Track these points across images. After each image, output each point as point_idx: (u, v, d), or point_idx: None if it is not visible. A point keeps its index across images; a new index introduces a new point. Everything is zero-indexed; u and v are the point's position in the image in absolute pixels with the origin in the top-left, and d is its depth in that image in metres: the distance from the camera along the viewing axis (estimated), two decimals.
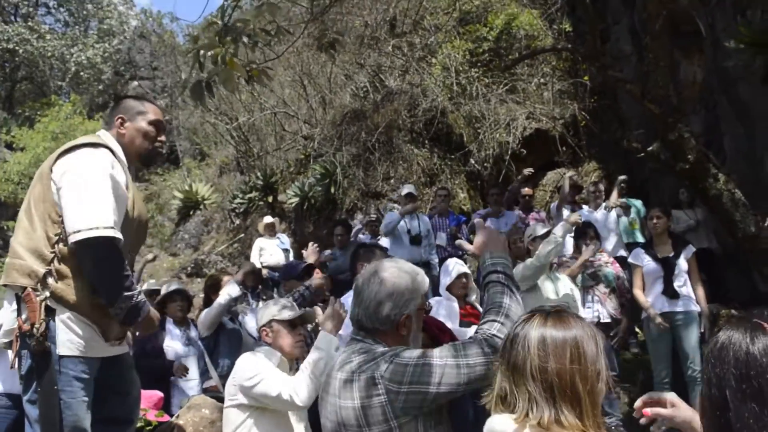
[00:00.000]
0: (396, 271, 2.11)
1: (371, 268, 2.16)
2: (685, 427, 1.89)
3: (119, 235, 2.60)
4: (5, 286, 2.71)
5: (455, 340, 4.34)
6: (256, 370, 3.04)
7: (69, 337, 2.62)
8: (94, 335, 2.71)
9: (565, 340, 1.54)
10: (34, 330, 2.55)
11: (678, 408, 1.88)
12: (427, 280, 2.19)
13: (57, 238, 2.63)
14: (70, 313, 2.63)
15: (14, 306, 2.65)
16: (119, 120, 2.93)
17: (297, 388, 2.94)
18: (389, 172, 10.93)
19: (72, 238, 2.54)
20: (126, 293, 2.63)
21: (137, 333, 2.78)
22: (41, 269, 2.60)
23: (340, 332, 3.94)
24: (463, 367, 1.88)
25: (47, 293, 2.59)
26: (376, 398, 1.88)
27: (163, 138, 3.05)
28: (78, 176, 2.63)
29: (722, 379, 1.19)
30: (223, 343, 5.15)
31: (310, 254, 5.31)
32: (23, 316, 2.58)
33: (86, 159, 2.69)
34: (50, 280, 2.60)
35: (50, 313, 2.59)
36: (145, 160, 3.00)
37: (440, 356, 1.89)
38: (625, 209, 7.23)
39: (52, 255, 2.62)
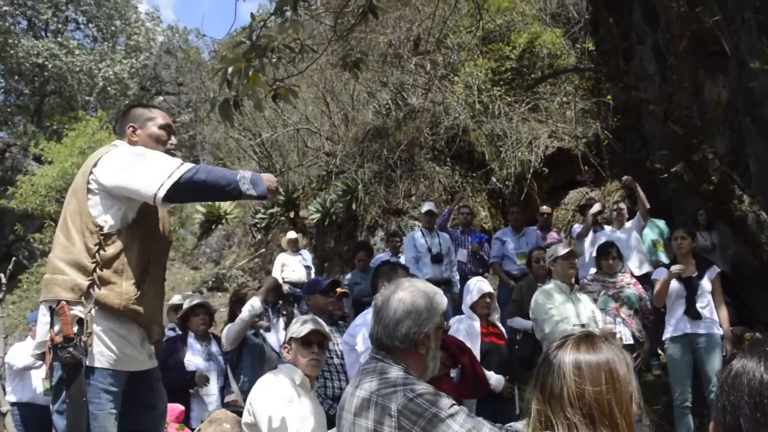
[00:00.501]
0: (415, 290, 2.13)
1: (391, 287, 2.19)
2: None
3: (188, 164, 2.71)
4: (44, 301, 2.77)
5: (474, 359, 4.36)
6: (268, 406, 3.09)
7: (100, 350, 2.68)
8: (126, 347, 2.77)
9: (599, 365, 1.55)
10: (80, 341, 2.61)
11: None
12: (445, 299, 2.21)
13: (97, 247, 2.71)
14: (105, 326, 2.70)
15: (47, 318, 2.70)
16: (131, 128, 3.02)
17: None
18: (410, 190, 10.94)
19: (160, 194, 2.62)
20: (234, 179, 2.69)
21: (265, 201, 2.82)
22: (84, 282, 2.67)
23: (358, 347, 3.95)
24: None
25: (92, 305, 2.66)
26: (388, 428, 1.90)
27: (174, 141, 3.13)
28: (118, 163, 2.76)
29: (736, 407, 1.20)
30: (246, 358, 5.17)
31: None
32: (56, 329, 2.64)
33: (115, 152, 2.84)
34: (94, 290, 2.67)
35: (85, 326, 2.65)
36: None
37: (461, 423, 1.86)
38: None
39: (94, 265, 2.69)
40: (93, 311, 2.67)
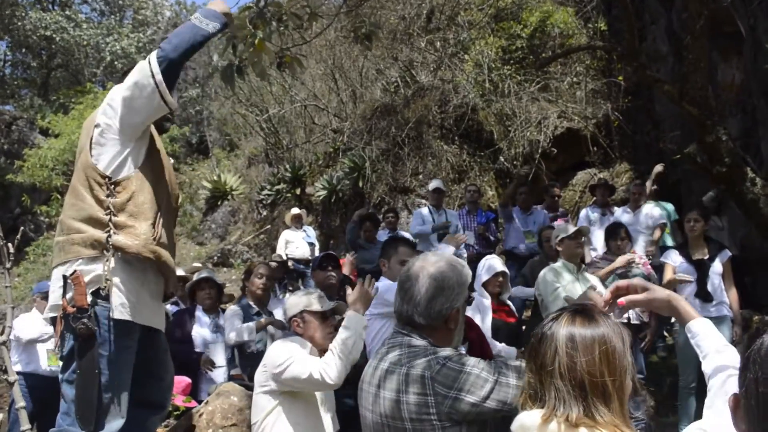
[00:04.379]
0: (443, 265, 2.08)
1: (417, 262, 2.13)
2: (663, 308, 1.93)
3: (153, 57, 2.75)
4: (61, 264, 2.75)
5: (482, 336, 4.35)
6: (286, 354, 3.04)
7: (122, 301, 2.68)
8: (143, 295, 2.78)
9: (594, 338, 1.53)
10: (94, 313, 2.61)
11: (653, 291, 1.92)
12: (470, 271, 2.17)
13: (108, 199, 2.71)
14: (123, 277, 2.70)
15: (61, 283, 2.69)
16: None
17: (327, 368, 2.93)
18: (418, 168, 10.91)
19: (161, 85, 2.69)
20: (195, 31, 2.80)
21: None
22: (102, 234, 2.67)
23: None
24: (513, 387, 1.86)
25: (111, 255, 2.66)
26: (423, 397, 1.87)
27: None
28: (114, 97, 2.81)
29: None
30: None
31: (347, 264, 5.18)
32: (68, 297, 2.63)
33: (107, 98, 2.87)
34: (112, 239, 2.67)
35: (100, 296, 2.64)
36: (158, 125, 3.09)
37: (492, 371, 1.88)
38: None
39: (108, 215, 2.69)
40: (112, 261, 2.66)
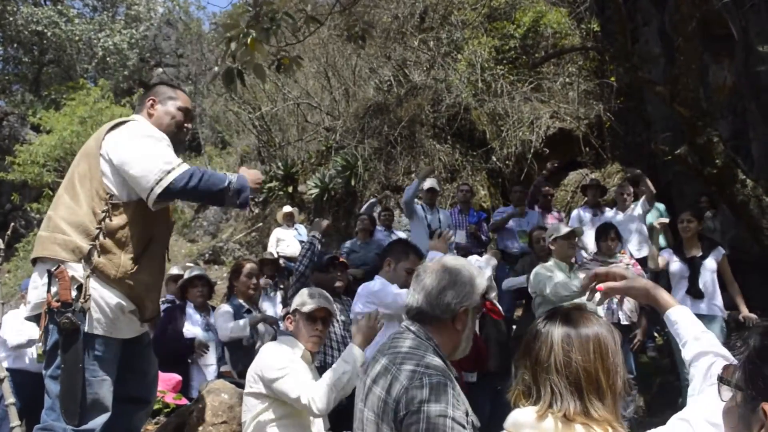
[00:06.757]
0: (459, 263, 2.15)
1: (436, 259, 2.20)
2: (641, 296, 1.97)
3: (185, 166, 2.73)
4: (38, 259, 2.75)
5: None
6: (280, 364, 3.03)
7: (97, 317, 2.67)
8: (120, 315, 2.76)
9: (588, 336, 1.58)
10: (78, 305, 2.61)
11: (631, 279, 1.96)
12: (485, 282, 2.22)
13: (104, 214, 2.70)
14: (102, 292, 2.69)
15: (44, 281, 2.68)
16: (150, 101, 3.01)
17: (316, 395, 2.92)
18: (410, 167, 10.92)
19: (154, 194, 2.66)
20: (222, 187, 2.74)
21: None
22: (86, 245, 2.67)
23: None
24: None
25: (89, 270, 2.66)
26: (393, 403, 1.85)
27: (189, 125, 3.12)
28: (130, 140, 2.76)
29: None
30: None
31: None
32: (53, 291, 2.62)
33: (133, 127, 2.84)
34: (94, 256, 2.66)
35: (81, 299, 2.63)
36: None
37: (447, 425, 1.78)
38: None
39: (98, 231, 2.68)
40: (91, 277, 2.66)
